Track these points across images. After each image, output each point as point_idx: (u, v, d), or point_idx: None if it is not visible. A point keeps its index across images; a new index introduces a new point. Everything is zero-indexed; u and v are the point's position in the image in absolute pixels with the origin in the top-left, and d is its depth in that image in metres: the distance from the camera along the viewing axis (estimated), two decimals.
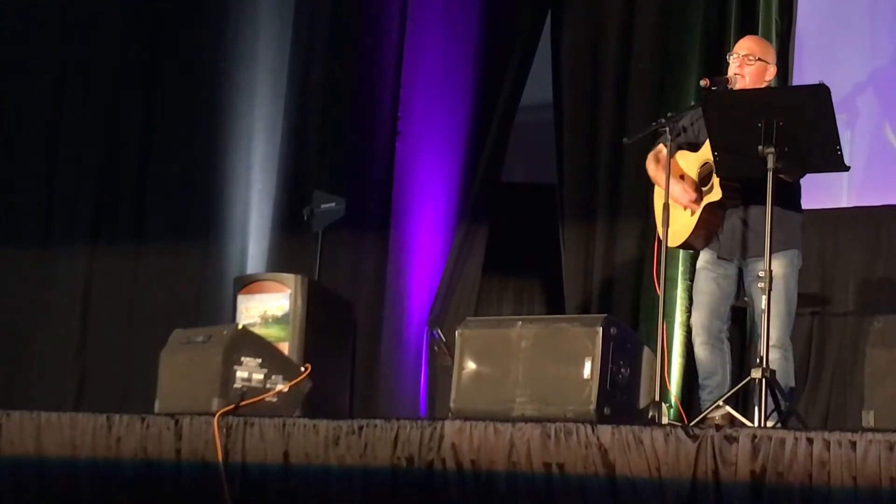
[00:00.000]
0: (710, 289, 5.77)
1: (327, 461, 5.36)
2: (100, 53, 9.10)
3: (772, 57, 5.84)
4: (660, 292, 5.60)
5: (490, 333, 5.53)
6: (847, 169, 5.34)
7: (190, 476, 5.69)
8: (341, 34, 8.60)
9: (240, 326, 6.26)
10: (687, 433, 4.62)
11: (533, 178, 8.92)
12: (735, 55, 5.76)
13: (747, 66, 5.72)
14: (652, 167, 5.87)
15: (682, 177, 5.77)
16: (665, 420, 5.24)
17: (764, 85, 5.79)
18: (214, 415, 5.67)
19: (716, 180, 5.60)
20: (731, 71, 5.74)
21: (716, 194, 5.62)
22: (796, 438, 4.41)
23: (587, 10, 7.97)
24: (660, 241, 5.66)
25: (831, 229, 7.09)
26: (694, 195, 5.69)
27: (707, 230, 5.72)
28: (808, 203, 5.82)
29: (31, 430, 6.14)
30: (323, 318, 6.97)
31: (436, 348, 7.98)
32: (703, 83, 5.67)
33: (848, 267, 7.07)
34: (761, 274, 5.23)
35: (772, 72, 5.81)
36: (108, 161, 9.02)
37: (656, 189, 5.87)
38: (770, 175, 5.19)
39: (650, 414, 5.24)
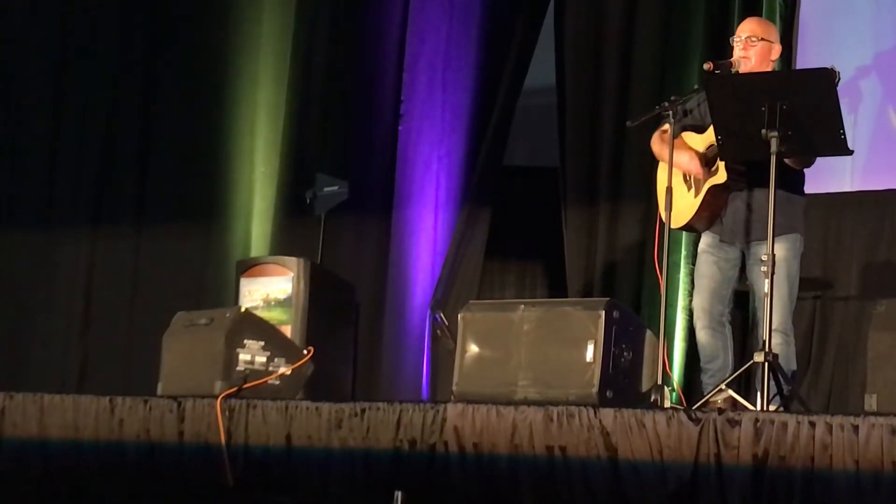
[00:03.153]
0: (711, 272, 5.77)
1: (330, 444, 5.36)
2: (102, 36, 9.09)
3: (775, 35, 5.84)
4: (660, 276, 5.60)
5: (492, 316, 5.53)
6: (851, 153, 5.33)
7: (192, 458, 5.70)
8: (344, 17, 8.59)
9: (242, 309, 6.26)
10: (689, 416, 4.62)
11: (535, 161, 8.91)
12: (738, 38, 5.75)
13: (751, 47, 5.71)
14: (657, 145, 5.86)
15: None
16: (667, 403, 5.24)
17: (770, 64, 5.78)
18: (217, 397, 5.68)
19: (721, 163, 5.60)
20: (735, 55, 5.72)
21: (720, 177, 5.61)
22: (798, 422, 4.41)
23: None
24: (661, 224, 5.66)
25: (835, 213, 7.09)
26: (699, 160, 5.67)
27: (710, 212, 5.71)
28: (811, 187, 5.81)
29: (34, 412, 6.15)
30: (325, 301, 6.98)
31: (438, 331, 7.99)
32: (706, 66, 5.66)
33: (851, 251, 7.07)
34: (763, 258, 5.23)
35: (777, 50, 5.80)
36: (110, 144, 9.01)
37: (660, 168, 5.86)
38: (773, 159, 5.19)
39: (652, 397, 5.25)
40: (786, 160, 5.39)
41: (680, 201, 5.68)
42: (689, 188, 5.75)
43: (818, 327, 7.05)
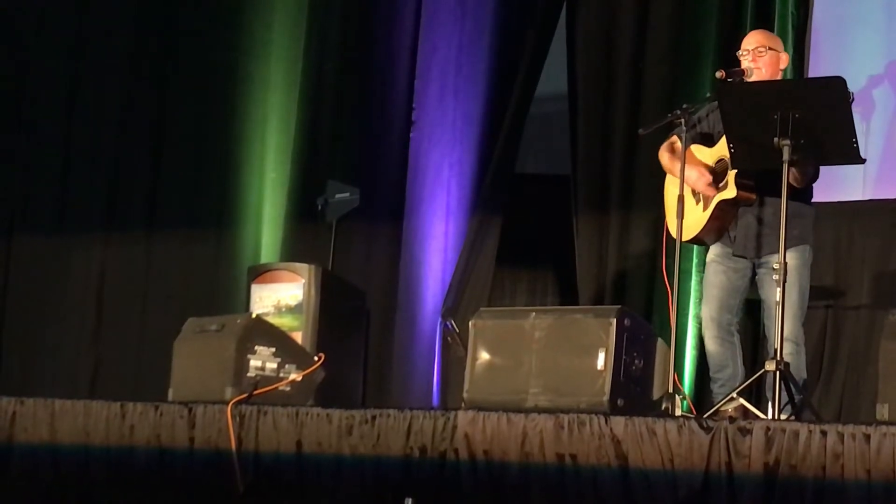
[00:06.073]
0: (719, 282, 5.77)
1: (340, 450, 5.36)
2: (115, 43, 9.10)
3: (780, 44, 5.87)
4: (668, 286, 5.60)
5: (503, 324, 5.53)
6: (863, 161, 5.33)
7: (203, 464, 5.71)
8: (356, 23, 8.60)
9: (253, 315, 6.27)
10: (700, 425, 4.62)
11: (547, 168, 8.91)
12: (745, 52, 5.76)
13: (760, 58, 5.73)
14: (666, 157, 5.87)
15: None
16: (678, 412, 5.23)
17: (779, 72, 5.80)
18: (228, 403, 5.68)
19: (731, 177, 5.60)
20: (744, 66, 5.73)
21: (730, 192, 5.61)
22: (810, 431, 4.40)
23: (602, 1, 7.96)
24: (668, 235, 5.65)
25: (846, 222, 7.07)
26: (710, 178, 5.68)
27: (719, 226, 5.71)
28: (824, 196, 5.81)
29: (45, 418, 6.16)
30: (336, 307, 6.98)
31: (449, 339, 7.98)
32: (718, 75, 5.67)
33: (863, 259, 7.06)
34: (775, 266, 5.23)
35: (784, 59, 5.83)
36: (122, 150, 9.03)
37: (668, 179, 5.86)
38: (785, 167, 5.19)
39: (663, 405, 5.24)
40: (790, 179, 5.38)
41: (688, 215, 5.67)
42: (698, 202, 5.75)
43: (830, 336, 7.04)
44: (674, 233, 5.60)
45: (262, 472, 5.55)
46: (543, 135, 8.77)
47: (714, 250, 5.82)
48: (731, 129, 5.39)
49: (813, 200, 5.75)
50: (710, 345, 5.78)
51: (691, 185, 5.67)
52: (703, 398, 6.71)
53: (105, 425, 5.98)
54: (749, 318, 6.15)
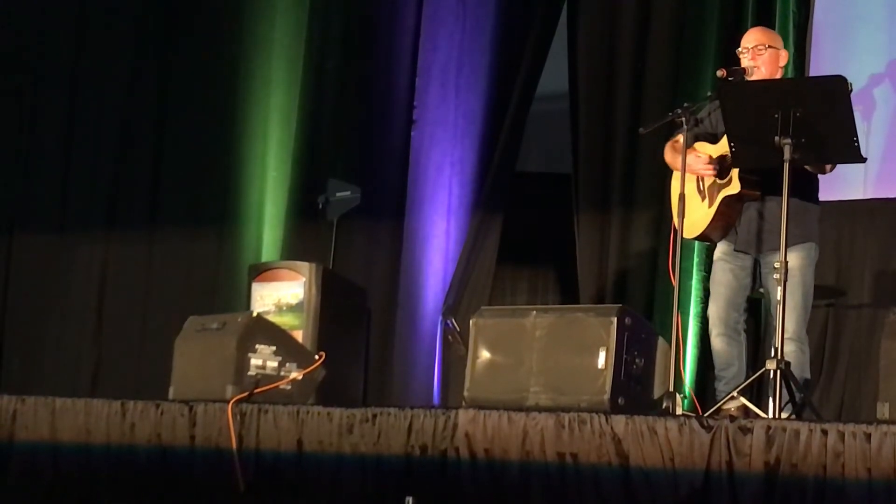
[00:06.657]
0: (726, 280, 5.76)
1: (341, 449, 5.36)
2: (115, 41, 9.11)
3: (779, 42, 5.87)
4: (675, 283, 5.60)
5: (504, 323, 5.53)
6: (864, 160, 5.33)
7: (203, 463, 5.71)
8: (357, 22, 8.60)
9: (254, 314, 6.27)
10: (701, 424, 4.62)
11: (548, 167, 8.91)
12: (744, 50, 5.76)
13: (759, 56, 5.73)
14: (669, 154, 5.87)
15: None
16: (679, 411, 5.23)
17: (779, 71, 5.80)
18: (228, 402, 5.68)
19: (734, 173, 5.60)
20: (744, 65, 5.73)
21: (734, 187, 5.61)
22: (811, 430, 4.40)
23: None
24: (675, 232, 5.65)
25: (848, 221, 7.08)
26: (707, 158, 5.65)
27: (724, 223, 5.71)
28: (825, 194, 5.81)
29: (46, 416, 6.16)
30: (337, 306, 6.98)
31: (450, 337, 7.98)
32: (719, 73, 5.67)
33: (864, 258, 7.06)
34: (777, 265, 5.23)
35: (784, 56, 5.82)
36: (123, 147, 9.04)
37: (673, 178, 5.86)
38: (786, 166, 5.19)
39: (664, 404, 5.24)
40: (806, 166, 5.39)
41: (694, 212, 5.68)
42: (703, 199, 5.75)
43: (831, 335, 7.04)
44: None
45: (263, 470, 5.55)
46: (544, 133, 8.77)
47: (721, 248, 5.82)
48: (732, 128, 5.39)
49: None
50: (717, 343, 5.77)
51: (691, 169, 5.63)
52: (704, 397, 6.70)
53: (106, 423, 5.98)
54: (751, 316, 6.14)
